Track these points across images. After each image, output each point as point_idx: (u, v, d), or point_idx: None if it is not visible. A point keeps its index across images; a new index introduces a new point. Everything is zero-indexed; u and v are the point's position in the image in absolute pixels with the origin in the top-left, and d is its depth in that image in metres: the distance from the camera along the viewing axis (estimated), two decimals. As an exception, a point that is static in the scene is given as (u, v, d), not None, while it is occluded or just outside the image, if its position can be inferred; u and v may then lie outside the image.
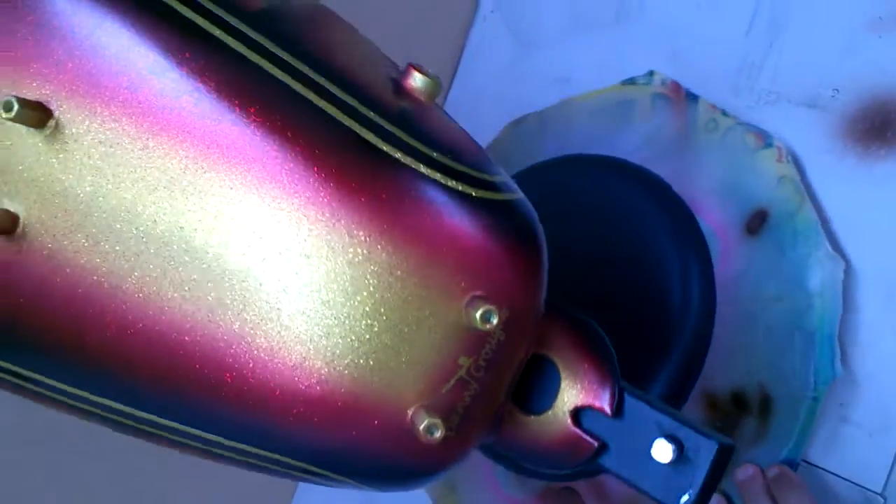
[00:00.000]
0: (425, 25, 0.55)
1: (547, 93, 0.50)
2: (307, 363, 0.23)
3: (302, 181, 0.23)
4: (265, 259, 0.23)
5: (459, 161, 0.26)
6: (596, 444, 0.26)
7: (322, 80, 0.25)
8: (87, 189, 0.23)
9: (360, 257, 0.23)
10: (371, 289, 0.23)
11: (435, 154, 0.25)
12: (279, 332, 0.23)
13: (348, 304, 0.23)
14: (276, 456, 0.26)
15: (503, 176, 0.28)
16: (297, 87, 0.24)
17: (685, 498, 0.24)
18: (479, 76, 0.54)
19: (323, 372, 0.23)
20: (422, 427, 0.24)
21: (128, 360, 0.24)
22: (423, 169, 0.25)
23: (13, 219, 0.24)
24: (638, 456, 0.25)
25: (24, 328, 0.25)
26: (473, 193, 0.25)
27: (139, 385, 0.25)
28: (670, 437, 0.25)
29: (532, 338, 0.27)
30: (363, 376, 0.24)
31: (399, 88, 0.27)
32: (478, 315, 0.24)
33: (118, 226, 0.23)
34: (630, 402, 0.26)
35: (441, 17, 0.54)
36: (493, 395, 0.27)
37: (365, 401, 0.24)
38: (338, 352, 0.23)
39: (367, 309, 0.23)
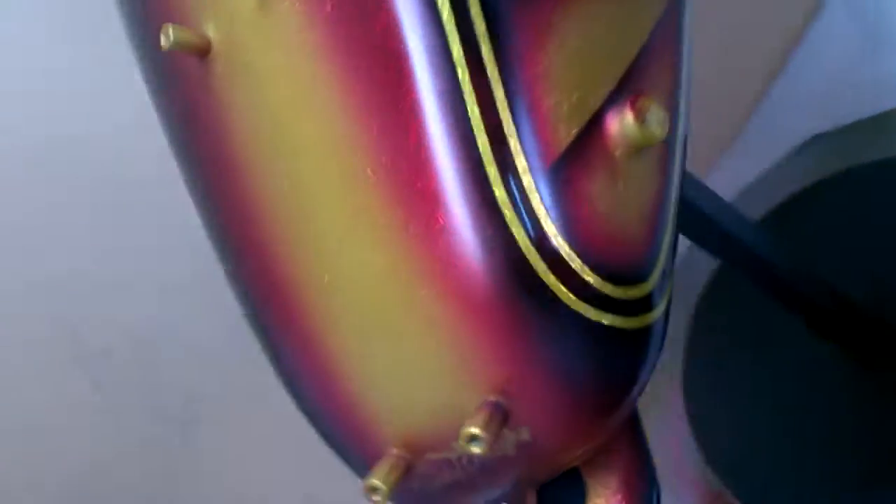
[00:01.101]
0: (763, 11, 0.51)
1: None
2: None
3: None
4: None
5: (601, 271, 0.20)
6: None
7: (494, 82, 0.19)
8: (262, 63, 0.23)
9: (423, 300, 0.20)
10: (417, 329, 0.21)
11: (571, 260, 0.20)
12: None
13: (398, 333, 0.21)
14: None
15: (653, 285, 0.21)
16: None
17: None
18: (811, 73, 0.49)
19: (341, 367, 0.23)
20: (376, 468, 0.22)
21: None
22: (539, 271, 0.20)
23: (209, 45, 0.24)
24: None
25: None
26: (595, 318, 0.20)
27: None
28: None
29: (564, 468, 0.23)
30: (380, 387, 0.23)
31: (590, 129, 0.20)
32: (474, 435, 0.19)
33: (262, 97, 0.23)
34: None
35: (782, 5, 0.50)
36: (481, 490, 0.23)
37: (362, 409, 0.23)
38: (370, 362, 0.23)
39: (387, 327, 0.22)
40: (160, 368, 0.49)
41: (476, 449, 0.19)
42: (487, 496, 0.24)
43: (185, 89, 0.25)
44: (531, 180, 0.19)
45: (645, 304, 0.20)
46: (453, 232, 0.19)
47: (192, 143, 0.26)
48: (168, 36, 0.23)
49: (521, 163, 0.19)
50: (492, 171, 0.19)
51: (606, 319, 0.19)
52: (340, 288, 0.22)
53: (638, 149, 0.20)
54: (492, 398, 0.20)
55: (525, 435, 0.21)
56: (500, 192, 0.19)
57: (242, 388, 0.48)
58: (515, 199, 0.19)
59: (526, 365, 0.20)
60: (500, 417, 0.20)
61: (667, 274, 0.21)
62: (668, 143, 0.21)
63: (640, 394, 0.21)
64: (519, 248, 0.19)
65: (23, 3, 0.41)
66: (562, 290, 0.19)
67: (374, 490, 0.21)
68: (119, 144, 0.44)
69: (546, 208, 0.19)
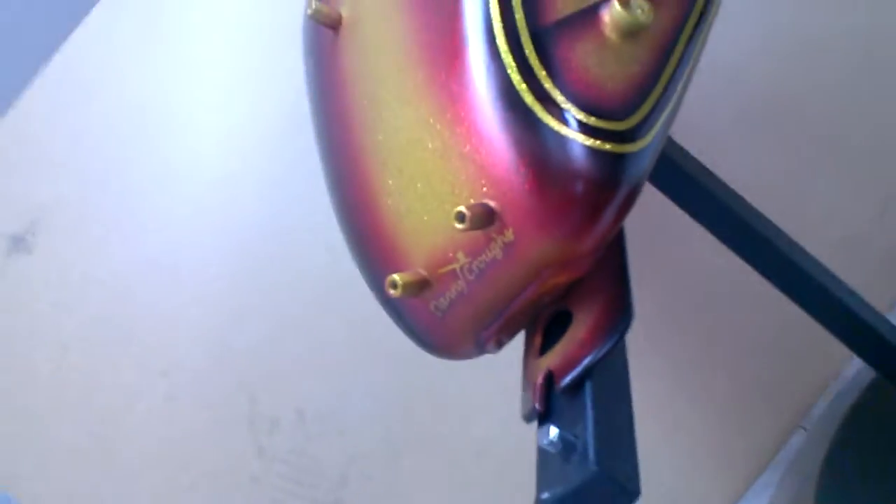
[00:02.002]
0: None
1: None
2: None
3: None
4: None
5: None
6: (540, 409, 0.26)
7: None
8: (370, 30, 0.31)
9: (433, 125, 0.27)
10: (426, 152, 0.27)
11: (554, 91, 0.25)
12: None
13: (412, 156, 0.28)
14: None
15: (627, 125, 0.25)
16: None
17: (545, 495, 0.23)
18: None
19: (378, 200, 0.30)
20: (401, 280, 0.27)
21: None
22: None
23: (340, 19, 0.33)
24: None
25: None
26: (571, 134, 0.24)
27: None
28: (567, 437, 0.24)
29: (549, 287, 0.27)
30: (399, 215, 0.29)
31: (586, 12, 0.25)
32: (461, 212, 0.24)
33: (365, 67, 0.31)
34: (584, 392, 0.25)
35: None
36: (480, 306, 0.28)
37: (389, 237, 0.29)
38: (393, 188, 0.29)
39: (417, 166, 0.27)
40: (317, 445, 0.53)
41: (459, 225, 0.24)
42: (487, 314, 0.28)
43: (320, 56, 0.35)
44: (528, 34, 0.25)
45: (617, 136, 0.24)
46: (466, 73, 0.26)
47: (319, 94, 0.35)
48: (311, 6, 0.32)
49: (519, 17, 0.25)
50: (497, 26, 0.25)
51: (580, 138, 0.24)
52: (387, 140, 0.29)
53: (627, 32, 0.25)
54: (487, 200, 0.25)
55: (510, 235, 0.25)
56: (501, 41, 0.25)
57: (388, 480, 0.54)
58: (513, 47, 0.25)
59: (512, 173, 0.24)
60: (485, 210, 0.25)
61: (649, 124, 0.26)
62: (669, 33, 0.27)
63: (616, 218, 0.25)
64: (511, 83, 0.25)
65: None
66: (545, 114, 0.24)
67: (393, 285, 0.27)
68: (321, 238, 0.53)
69: (538, 55, 0.25)
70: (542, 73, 0.25)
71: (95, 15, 0.51)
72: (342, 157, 0.33)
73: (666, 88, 0.26)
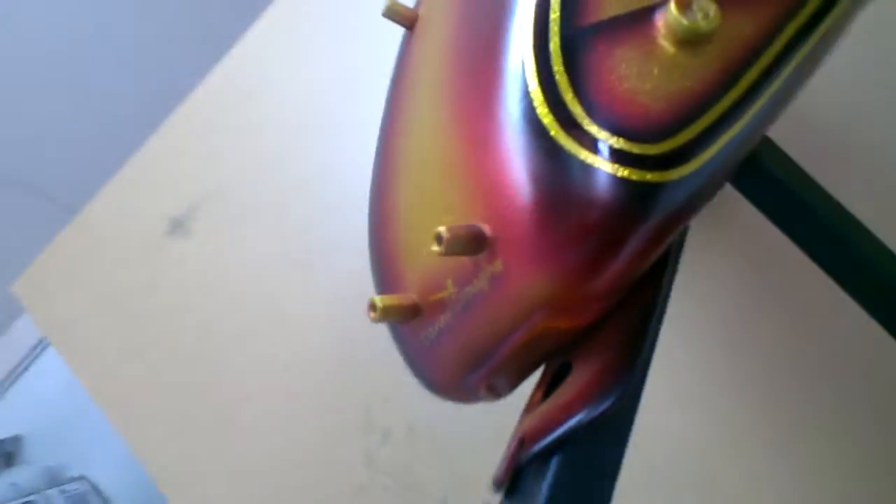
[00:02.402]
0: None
1: None
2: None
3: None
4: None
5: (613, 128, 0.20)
6: (502, 480, 0.22)
7: None
8: (430, 29, 0.30)
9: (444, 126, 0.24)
10: (435, 162, 0.25)
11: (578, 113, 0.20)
12: None
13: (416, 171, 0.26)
14: None
15: (672, 150, 0.20)
16: None
17: None
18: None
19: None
20: (381, 303, 0.25)
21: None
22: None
23: (416, 18, 0.32)
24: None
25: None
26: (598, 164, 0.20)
27: None
28: None
29: (542, 332, 0.22)
30: (406, 230, 0.27)
31: (638, 13, 0.21)
32: (439, 233, 0.21)
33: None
34: (548, 468, 0.21)
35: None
36: (465, 344, 0.24)
37: (393, 255, 0.27)
38: (403, 198, 0.27)
39: (427, 178, 0.25)
40: (423, 463, 0.52)
41: (435, 247, 0.21)
42: (472, 354, 0.24)
43: (398, 57, 0.34)
44: (558, 41, 0.21)
45: (643, 160, 0.20)
46: (489, 81, 0.22)
47: (392, 90, 0.34)
48: (386, 3, 0.32)
49: (554, 17, 0.21)
50: (527, 32, 0.22)
51: (592, 160, 0.20)
52: (414, 146, 0.28)
53: (684, 40, 0.20)
54: (481, 225, 0.22)
55: (499, 266, 0.22)
56: (527, 52, 0.21)
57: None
58: (540, 61, 0.21)
59: (512, 198, 0.21)
60: (471, 233, 0.21)
61: (695, 150, 0.20)
62: (750, 44, 0.21)
63: (632, 260, 0.21)
64: (531, 99, 0.21)
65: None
66: (559, 132, 0.20)
67: (372, 307, 0.25)
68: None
69: (566, 66, 0.21)
70: (567, 94, 0.20)
71: (267, 15, 0.54)
72: (380, 162, 0.31)
73: (730, 110, 0.21)
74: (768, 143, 0.26)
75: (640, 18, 0.21)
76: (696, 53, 0.20)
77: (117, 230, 0.58)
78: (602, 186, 0.19)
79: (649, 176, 0.20)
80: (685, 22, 0.20)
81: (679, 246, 0.24)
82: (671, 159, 0.20)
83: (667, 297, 0.23)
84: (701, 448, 0.40)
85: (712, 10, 0.20)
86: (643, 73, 0.20)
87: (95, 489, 1.55)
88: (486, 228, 0.21)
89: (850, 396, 0.41)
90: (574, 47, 0.21)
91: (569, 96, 0.20)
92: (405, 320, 0.25)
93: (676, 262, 0.23)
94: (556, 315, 0.22)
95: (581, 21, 0.21)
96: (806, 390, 0.41)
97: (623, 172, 0.19)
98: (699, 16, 0.20)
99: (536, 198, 0.20)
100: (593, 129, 0.20)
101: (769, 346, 0.42)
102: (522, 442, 0.21)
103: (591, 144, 0.20)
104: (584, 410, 0.20)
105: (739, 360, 0.41)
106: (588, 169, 0.20)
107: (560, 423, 0.20)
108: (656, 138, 0.20)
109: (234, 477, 0.53)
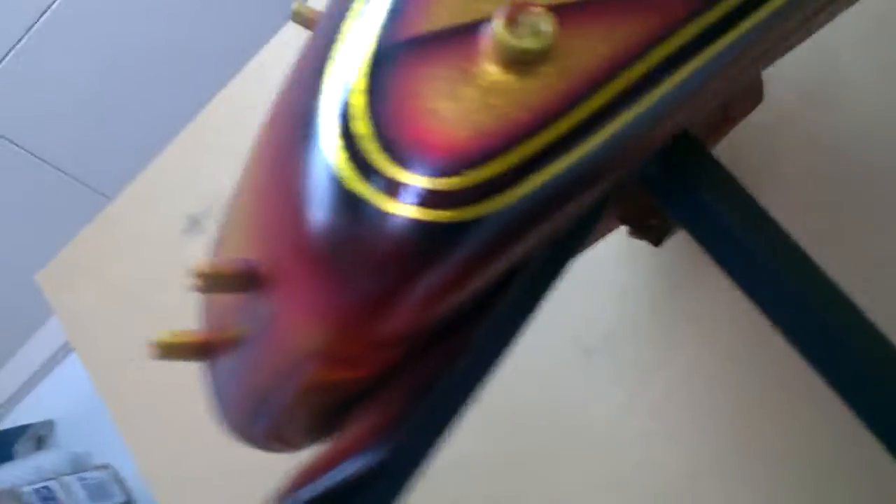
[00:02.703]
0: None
1: None
2: None
3: None
4: None
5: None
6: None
7: None
8: None
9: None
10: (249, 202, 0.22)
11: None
12: None
13: None
14: None
15: (474, 185, 0.17)
16: None
17: None
18: None
19: None
20: (168, 339, 0.22)
21: None
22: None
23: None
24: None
25: None
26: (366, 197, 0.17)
27: None
28: None
29: (317, 384, 0.20)
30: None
31: (459, 29, 0.18)
32: (196, 267, 0.19)
33: None
34: None
35: None
36: (242, 388, 0.22)
37: None
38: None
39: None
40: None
41: (196, 281, 0.19)
42: (251, 401, 0.22)
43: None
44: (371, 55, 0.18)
45: (435, 196, 0.17)
46: (296, 100, 0.19)
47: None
48: (293, 8, 0.28)
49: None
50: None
51: (374, 198, 0.17)
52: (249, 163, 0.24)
53: (511, 60, 0.17)
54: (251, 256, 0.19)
55: (270, 306, 0.19)
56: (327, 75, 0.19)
57: None
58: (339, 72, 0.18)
59: (284, 233, 0.18)
60: (239, 269, 0.19)
61: (498, 187, 0.17)
62: (589, 69, 0.18)
63: (416, 310, 0.18)
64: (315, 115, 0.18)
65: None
66: (341, 157, 0.17)
67: (158, 344, 0.21)
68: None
69: (368, 81, 0.18)
70: (360, 127, 0.17)
71: (291, 23, 0.55)
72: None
73: (561, 139, 0.17)
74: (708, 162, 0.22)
75: (463, 33, 0.18)
76: (529, 75, 0.17)
77: (138, 227, 0.59)
78: (379, 225, 0.17)
79: (441, 214, 0.17)
80: (511, 40, 0.17)
81: (539, 286, 0.20)
82: (470, 195, 0.17)
83: (494, 347, 0.20)
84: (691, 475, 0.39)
85: (546, 26, 0.17)
86: (453, 97, 0.17)
87: (118, 479, 1.57)
88: (263, 265, 0.19)
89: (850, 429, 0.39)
90: (384, 62, 0.18)
91: (360, 121, 0.18)
92: (191, 358, 0.22)
93: (528, 304, 0.20)
94: (330, 364, 0.19)
95: (401, 34, 0.18)
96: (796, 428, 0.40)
97: (406, 210, 0.16)
98: (527, 32, 0.17)
99: (303, 231, 0.17)
100: (374, 155, 0.17)
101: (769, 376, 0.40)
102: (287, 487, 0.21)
103: (367, 173, 0.17)
104: (333, 471, 0.19)
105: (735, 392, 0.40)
106: (363, 205, 0.17)
107: (305, 481, 0.20)
108: (453, 171, 0.17)
109: (235, 477, 0.53)
